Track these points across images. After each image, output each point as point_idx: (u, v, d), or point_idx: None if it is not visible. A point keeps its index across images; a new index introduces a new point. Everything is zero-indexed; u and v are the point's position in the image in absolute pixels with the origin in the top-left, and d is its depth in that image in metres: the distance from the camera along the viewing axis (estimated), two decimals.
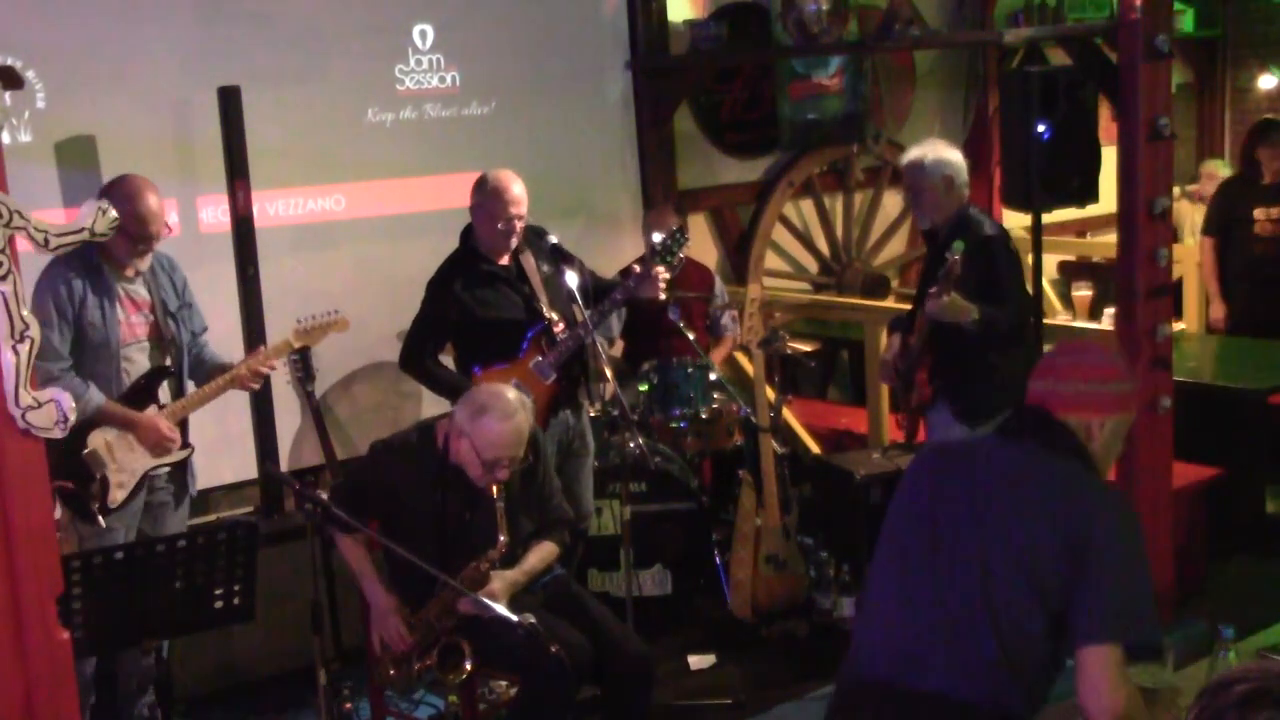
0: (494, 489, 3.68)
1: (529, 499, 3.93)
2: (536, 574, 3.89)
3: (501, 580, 3.74)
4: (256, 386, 4.43)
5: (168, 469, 4.29)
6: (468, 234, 4.72)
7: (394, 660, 3.81)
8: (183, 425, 4.32)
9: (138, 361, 4.21)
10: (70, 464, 3.99)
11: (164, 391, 4.25)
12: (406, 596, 3.85)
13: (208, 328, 4.49)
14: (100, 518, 4.07)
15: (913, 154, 4.55)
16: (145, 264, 4.19)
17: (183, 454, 4.29)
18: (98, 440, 4.07)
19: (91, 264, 4.07)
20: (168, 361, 4.25)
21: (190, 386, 4.33)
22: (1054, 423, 2.65)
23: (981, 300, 4.28)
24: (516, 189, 4.58)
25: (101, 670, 4.29)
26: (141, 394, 4.18)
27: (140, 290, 4.23)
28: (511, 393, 3.79)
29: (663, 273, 4.65)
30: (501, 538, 3.67)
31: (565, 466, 4.77)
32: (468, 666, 3.68)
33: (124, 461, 4.12)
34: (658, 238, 4.78)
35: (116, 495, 4.11)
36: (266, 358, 4.37)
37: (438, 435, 3.84)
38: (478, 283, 4.63)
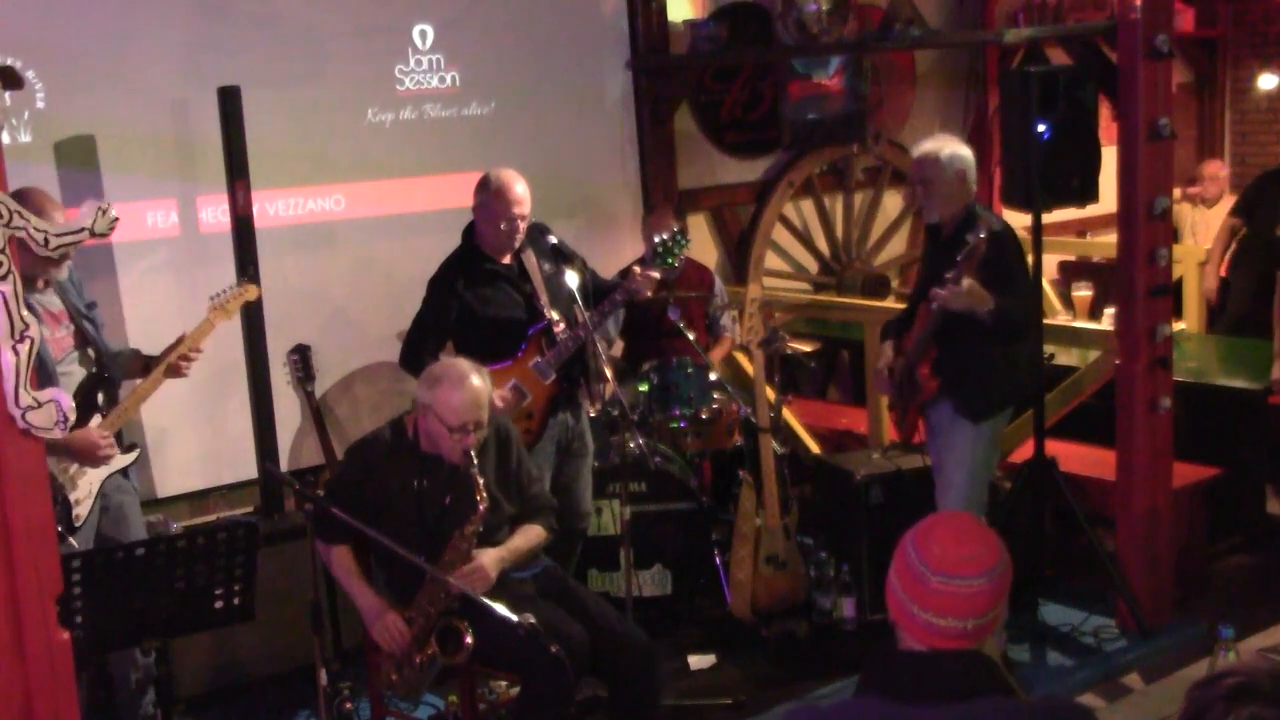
0: (468, 457, 3.71)
1: (506, 482, 3.94)
2: (521, 554, 3.90)
3: (489, 556, 3.77)
4: (187, 374, 4.28)
5: (120, 473, 4.21)
6: (470, 232, 4.73)
7: (395, 663, 3.81)
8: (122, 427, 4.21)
9: (74, 374, 4.09)
10: None
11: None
12: (401, 593, 3.85)
13: (103, 324, 4.34)
14: (71, 538, 3.98)
15: (927, 147, 4.53)
16: (63, 273, 4.06)
17: (130, 457, 4.21)
18: (51, 462, 3.98)
19: None
20: (95, 368, 4.13)
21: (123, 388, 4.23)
22: (971, 663, 2.14)
23: (989, 290, 4.27)
24: (519, 188, 4.59)
25: (93, 671, 4.28)
26: (83, 408, 4.04)
27: (54, 301, 4.09)
28: (464, 362, 3.85)
29: (654, 275, 4.66)
30: (481, 505, 3.69)
31: (565, 467, 4.78)
32: (469, 641, 3.68)
33: (79, 479, 4.06)
34: (659, 239, 4.78)
35: (79, 513, 4.05)
36: (193, 341, 4.24)
37: (408, 427, 3.89)
38: (480, 281, 4.64)
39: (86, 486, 4.09)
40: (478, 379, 3.78)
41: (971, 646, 2.14)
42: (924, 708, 2.08)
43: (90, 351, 4.15)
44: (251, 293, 4.46)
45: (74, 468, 4.04)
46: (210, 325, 4.36)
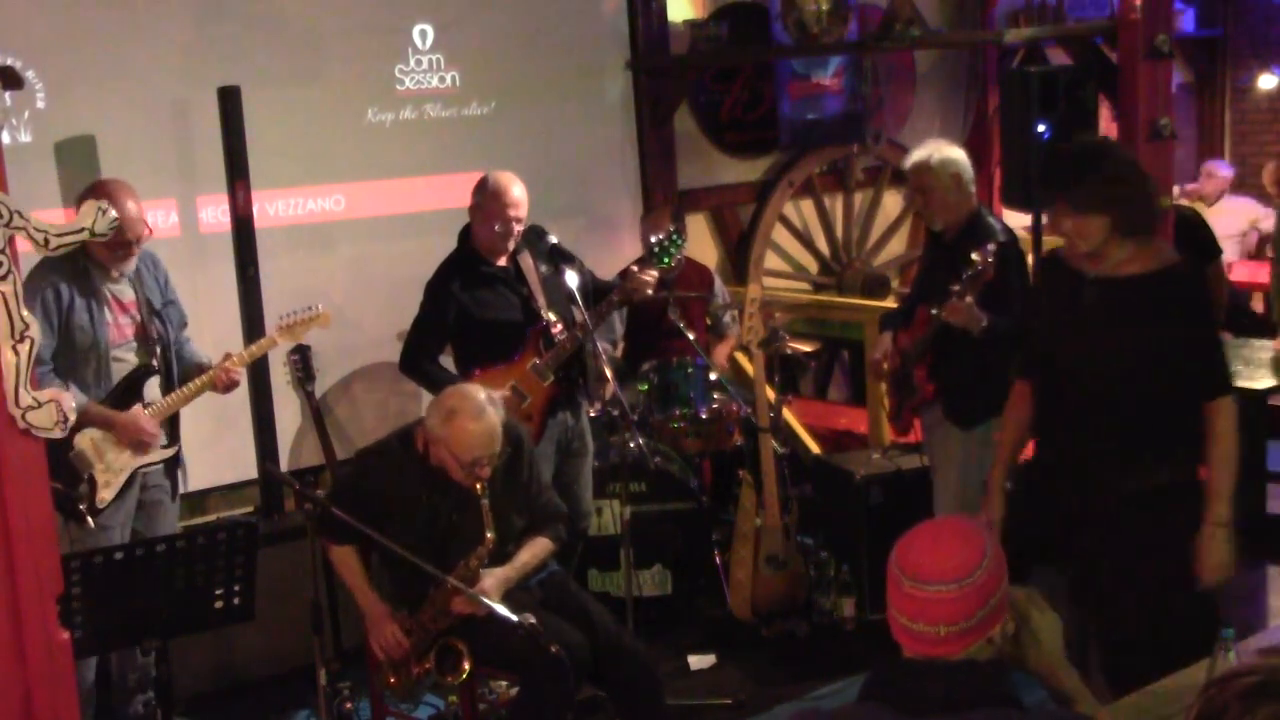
0: (477, 487, 3.68)
1: (515, 495, 3.91)
2: (529, 569, 3.88)
3: (493, 577, 3.74)
4: (228, 392, 4.35)
5: (160, 466, 4.29)
6: (466, 235, 4.73)
7: (393, 667, 3.81)
8: (173, 423, 4.30)
9: (127, 362, 4.20)
10: (57, 465, 3.96)
11: (155, 390, 4.25)
12: (403, 601, 3.84)
13: (187, 324, 4.46)
14: (89, 518, 4.05)
15: (917, 155, 4.51)
16: (130, 266, 4.18)
17: (169, 451, 4.27)
18: (84, 440, 4.04)
19: (78, 268, 4.06)
20: (154, 361, 4.24)
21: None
22: (973, 674, 2.11)
23: (987, 305, 4.26)
24: (516, 191, 4.59)
25: (101, 673, 4.29)
26: (127, 394, 4.17)
27: (126, 291, 4.22)
28: (480, 392, 3.77)
29: (652, 274, 4.66)
30: (488, 535, 3.67)
31: (565, 467, 4.78)
32: (466, 667, 3.68)
33: (111, 461, 4.11)
34: (654, 238, 4.78)
35: (104, 495, 4.10)
36: (243, 359, 4.33)
37: (417, 439, 3.83)
38: (476, 284, 4.64)
39: (118, 470, 4.13)
40: (493, 411, 3.69)
41: (954, 654, 2.11)
42: (924, 718, 2.06)
43: (157, 347, 4.24)
44: (323, 320, 4.50)
45: (109, 451, 4.09)
46: (271, 342, 4.43)
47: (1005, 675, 2.14)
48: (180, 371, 4.33)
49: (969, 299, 4.18)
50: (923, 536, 2.18)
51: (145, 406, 4.19)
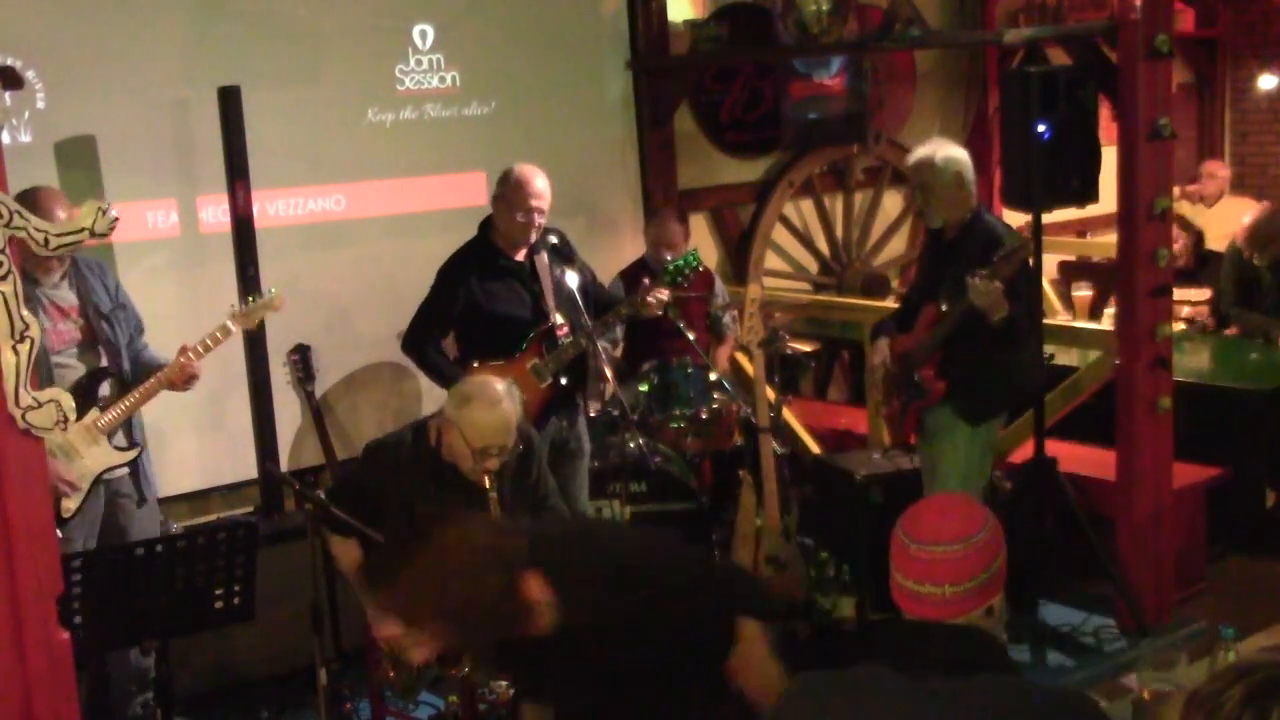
0: (485, 480, 3.67)
1: (523, 496, 3.92)
2: None
3: None
4: (187, 388, 4.27)
5: (124, 471, 4.24)
6: (486, 225, 4.74)
7: (393, 661, 3.80)
8: (132, 426, 4.25)
9: (72, 367, 4.14)
10: None
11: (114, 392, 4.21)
12: None
13: (144, 329, 4.41)
14: (56, 530, 3.99)
15: (921, 152, 4.54)
16: (53, 276, 4.09)
17: (130, 454, 4.22)
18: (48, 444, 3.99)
19: None
20: (104, 363, 4.18)
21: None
22: (972, 639, 2.16)
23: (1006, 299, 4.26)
24: (539, 183, 4.62)
25: (100, 674, 4.28)
26: (81, 398, 4.06)
27: (67, 296, 4.15)
28: (499, 382, 3.78)
29: (664, 293, 4.71)
30: None
31: (560, 467, 4.77)
32: (465, 658, 3.68)
33: (75, 468, 4.05)
34: (670, 256, 4.82)
35: (69, 505, 4.03)
36: (199, 352, 4.23)
37: (430, 433, 3.84)
38: (490, 275, 4.66)
39: (79, 477, 4.07)
40: (509, 403, 3.69)
41: (957, 617, 2.16)
42: (926, 679, 2.10)
43: (101, 350, 4.17)
44: (277, 303, 4.44)
45: (69, 459, 4.04)
46: (226, 331, 4.33)
47: (1004, 648, 2.20)
48: (136, 375, 4.26)
49: (997, 283, 4.15)
50: (927, 504, 2.29)
51: (102, 410, 4.13)
